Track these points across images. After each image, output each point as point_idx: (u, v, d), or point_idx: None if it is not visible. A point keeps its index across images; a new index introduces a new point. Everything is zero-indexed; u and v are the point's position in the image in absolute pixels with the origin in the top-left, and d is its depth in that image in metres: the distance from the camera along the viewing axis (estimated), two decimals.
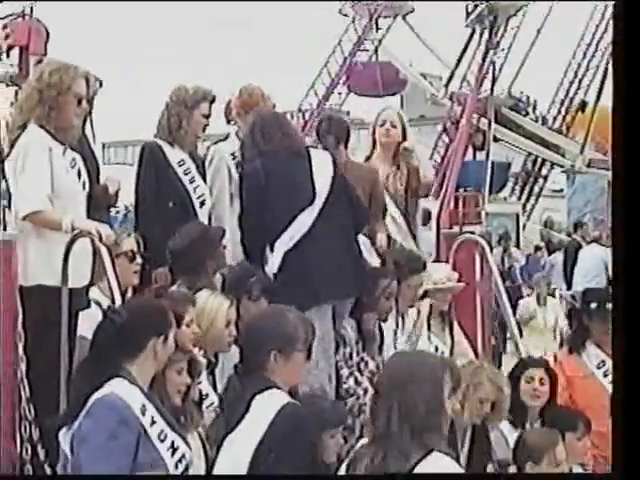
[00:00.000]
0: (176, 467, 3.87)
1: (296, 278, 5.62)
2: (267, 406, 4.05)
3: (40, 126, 5.04)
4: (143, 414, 3.80)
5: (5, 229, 4.97)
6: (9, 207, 5.17)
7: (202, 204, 6.18)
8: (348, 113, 29.35)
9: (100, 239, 4.79)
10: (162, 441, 3.83)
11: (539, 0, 24.22)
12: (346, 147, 6.74)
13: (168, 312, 4.12)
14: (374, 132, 7.09)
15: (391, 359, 4.07)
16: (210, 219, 6.25)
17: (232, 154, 6.58)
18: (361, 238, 6.08)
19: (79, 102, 5.12)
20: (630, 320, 2.84)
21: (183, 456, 3.90)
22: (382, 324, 5.98)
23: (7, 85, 19.71)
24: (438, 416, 3.48)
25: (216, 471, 4.11)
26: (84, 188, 5.22)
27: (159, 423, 3.86)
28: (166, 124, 6.16)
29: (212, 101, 6.25)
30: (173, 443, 3.86)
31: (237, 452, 4.01)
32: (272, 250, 5.68)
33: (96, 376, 3.87)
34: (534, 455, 5.08)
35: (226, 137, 6.80)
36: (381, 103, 23.81)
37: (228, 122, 6.89)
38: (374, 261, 6.26)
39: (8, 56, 18.83)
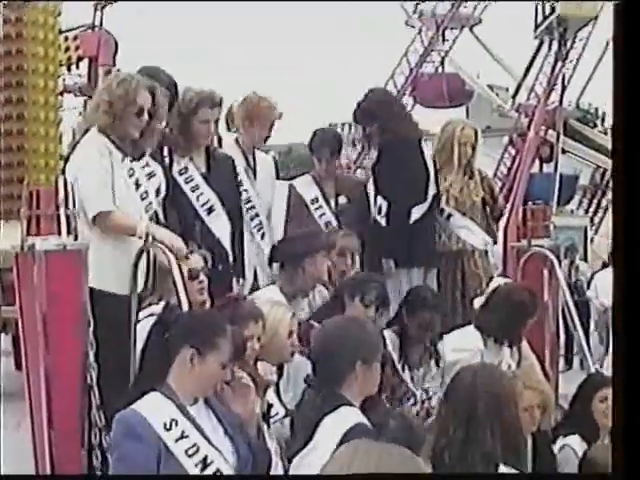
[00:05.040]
0: None
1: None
2: (337, 426, 3.92)
3: (101, 132, 5.08)
4: (169, 429, 3.70)
5: (76, 239, 4.99)
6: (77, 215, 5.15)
7: (210, 211, 5.97)
8: None
9: (171, 250, 4.79)
10: (190, 456, 3.71)
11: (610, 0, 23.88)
12: (338, 158, 7.14)
13: (212, 329, 3.93)
14: (452, 149, 6.88)
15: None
16: (234, 225, 6.09)
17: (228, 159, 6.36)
18: None
19: (140, 114, 5.12)
20: (630, 320, 2.79)
21: (218, 470, 3.77)
22: (438, 343, 6.02)
23: (76, 95, 20.01)
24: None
25: None
26: (142, 199, 5.19)
27: (192, 437, 3.74)
28: (168, 133, 5.95)
29: (215, 105, 5.95)
30: (205, 458, 3.75)
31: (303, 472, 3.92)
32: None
33: (138, 388, 3.88)
34: (602, 471, 5.01)
35: (219, 142, 6.52)
36: (447, 114, 23.77)
37: (229, 129, 6.68)
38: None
39: (78, 67, 19.06)
